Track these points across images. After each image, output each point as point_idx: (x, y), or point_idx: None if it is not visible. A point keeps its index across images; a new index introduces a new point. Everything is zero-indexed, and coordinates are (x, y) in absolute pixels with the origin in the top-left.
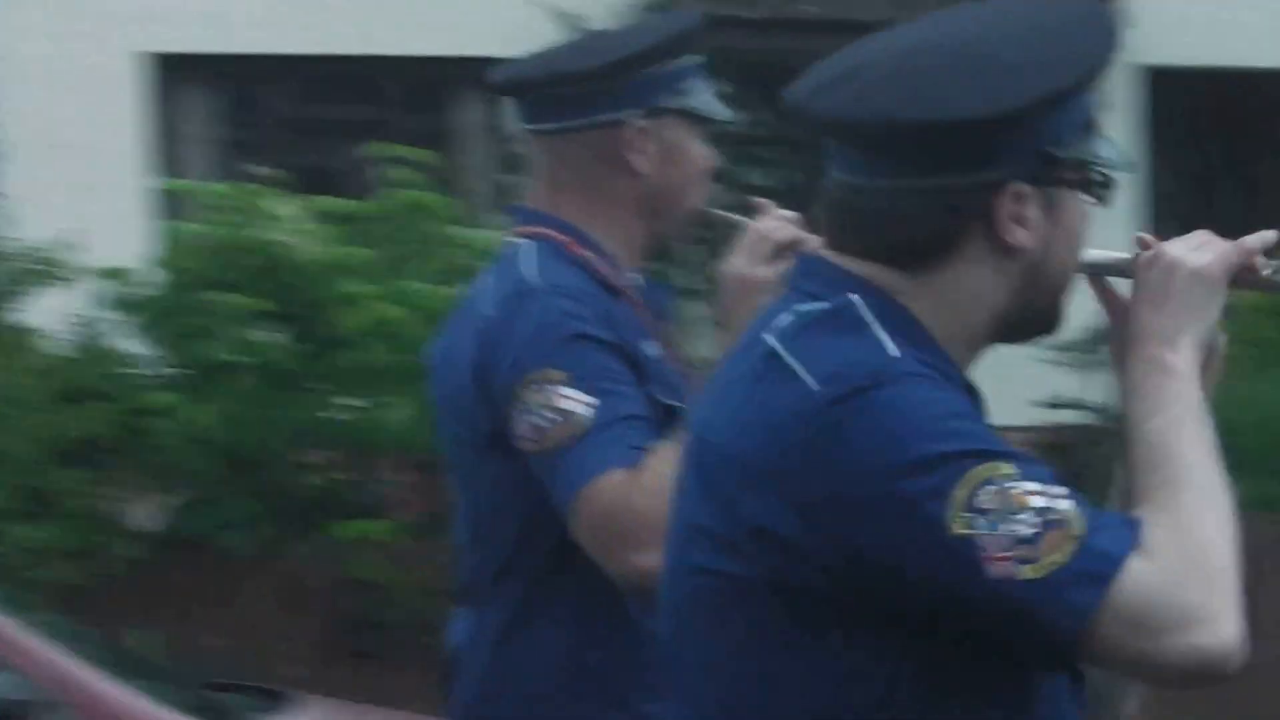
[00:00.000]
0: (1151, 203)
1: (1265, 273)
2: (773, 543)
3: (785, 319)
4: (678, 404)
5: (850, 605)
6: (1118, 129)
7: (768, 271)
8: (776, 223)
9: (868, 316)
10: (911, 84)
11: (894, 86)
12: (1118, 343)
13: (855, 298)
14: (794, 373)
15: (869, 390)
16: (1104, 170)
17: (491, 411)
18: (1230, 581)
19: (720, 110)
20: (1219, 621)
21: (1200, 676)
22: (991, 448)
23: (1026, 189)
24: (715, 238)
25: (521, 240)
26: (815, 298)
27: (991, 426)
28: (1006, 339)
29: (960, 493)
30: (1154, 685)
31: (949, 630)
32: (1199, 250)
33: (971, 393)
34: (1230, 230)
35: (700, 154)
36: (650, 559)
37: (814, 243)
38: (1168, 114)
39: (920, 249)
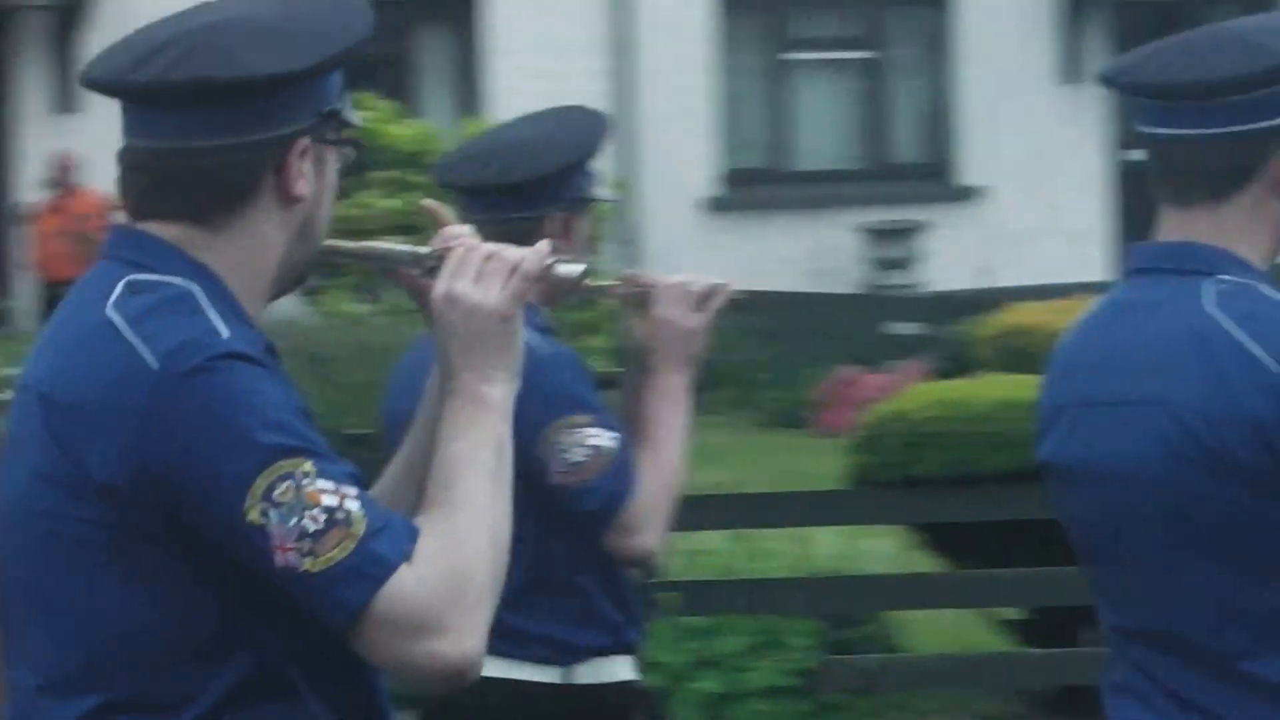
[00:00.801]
0: None
1: (567, 272)
2: (111, 494)
3: (120, 291)
4: None
5: (176, 557)
6: None
7: None
8: None
9: (200, 296)
10: (221, 49)
11: (206, 52)
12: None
13: (188, 280)
14: (133, 347)
15: (202, 372)
16: (354, 131)
17: None
18: (484, 601)
19: None
20: (462, 634)
21: (439, 682)
22: (298, 444)
23: (308, 144)
24: None
25: None
26: (140, 266)
27: (305, 416)
28: (277, 291)
29: (260, 483)
30: (409, 686)
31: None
32: (484, 285)
33: (271, 352)
34: None
35: None
36: None
37: None
38: None
39: (222, 203)
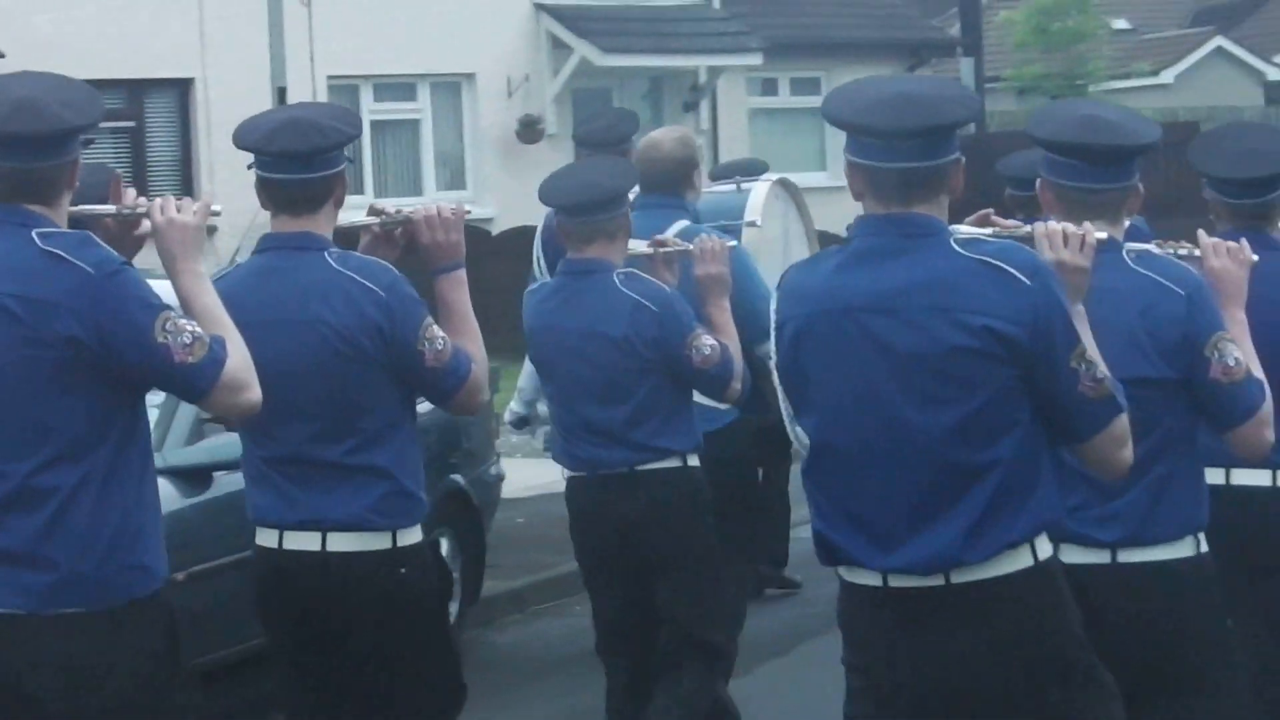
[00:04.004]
0: None
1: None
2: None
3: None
4: None
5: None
6: None
7: None
8: None
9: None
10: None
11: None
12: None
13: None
14: (73, 263)
15: (120, 271)
16: None
17: None
18: (253, 370)
19: None
20: (256, 388)
21: (247, 414)
22: (166, 304)
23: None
24: None
25: None
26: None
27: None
28: None
29: (157, 322)
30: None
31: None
32: (186, 213)
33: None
34: None
35: None
36: None
37: None
38: None
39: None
